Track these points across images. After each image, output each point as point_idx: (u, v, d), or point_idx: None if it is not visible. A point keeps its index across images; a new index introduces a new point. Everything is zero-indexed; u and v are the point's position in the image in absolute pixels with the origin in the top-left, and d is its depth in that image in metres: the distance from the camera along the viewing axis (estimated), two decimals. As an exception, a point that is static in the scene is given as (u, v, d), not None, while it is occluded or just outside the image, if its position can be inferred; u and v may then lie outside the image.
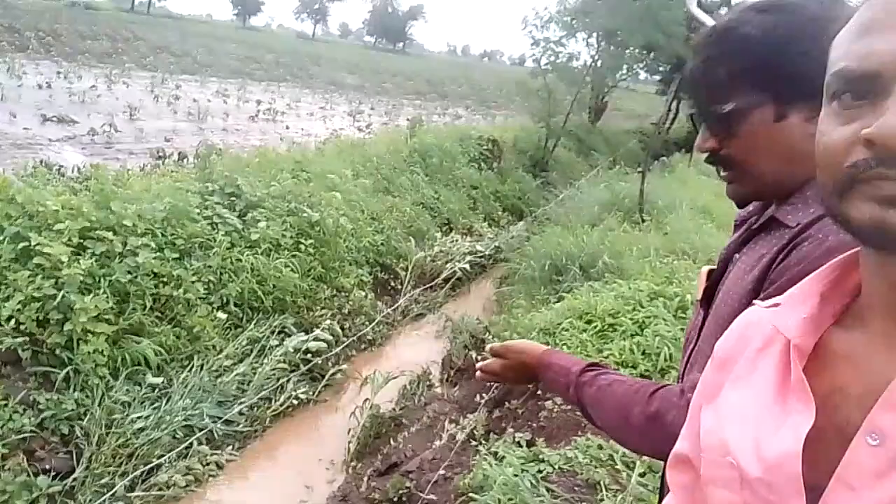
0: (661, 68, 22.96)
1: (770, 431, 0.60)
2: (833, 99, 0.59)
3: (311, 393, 4.86)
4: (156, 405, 4.10)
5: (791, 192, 1.01)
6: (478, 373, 1.46)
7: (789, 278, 0.88)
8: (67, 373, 3.88)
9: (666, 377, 3.63)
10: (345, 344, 5.51)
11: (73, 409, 3.79)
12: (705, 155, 1.10)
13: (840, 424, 0.57)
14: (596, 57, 15.83)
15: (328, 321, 5.51)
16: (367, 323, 5.97)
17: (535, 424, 3.67)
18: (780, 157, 0.99)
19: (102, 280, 4.23)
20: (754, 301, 0.81)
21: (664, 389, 1.07)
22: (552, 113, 13.83)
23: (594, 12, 14.49)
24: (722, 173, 1.07)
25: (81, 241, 4.34)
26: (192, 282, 4.74)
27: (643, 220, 7.44)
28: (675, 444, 0.76)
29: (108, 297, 4.17)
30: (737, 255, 1.09)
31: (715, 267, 1.18)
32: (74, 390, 3.88)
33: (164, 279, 4.59)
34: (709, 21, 1.54)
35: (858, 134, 0.54)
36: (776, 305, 0.68)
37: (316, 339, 5.19)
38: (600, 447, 3.00)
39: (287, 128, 14.28)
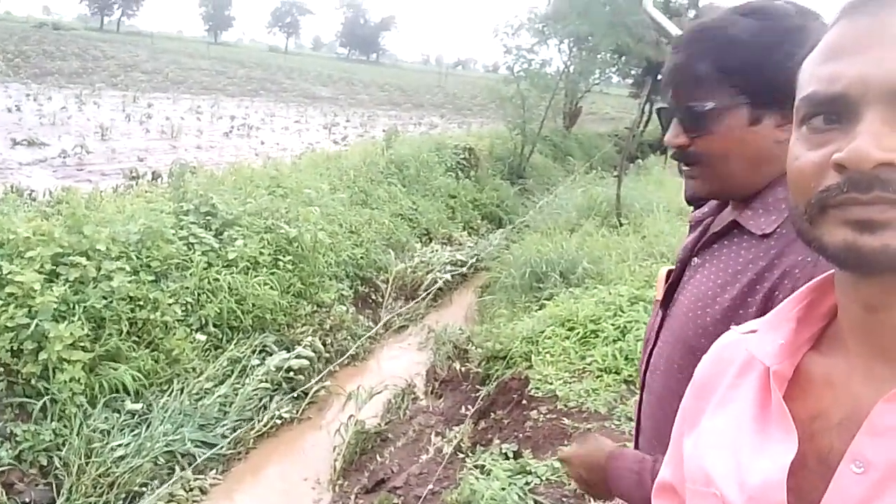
0: (632, 72, 23.23)
1: (752, 460, 0.59)
2: (803, 123, 0.59)
3: (294, 411, 4.81)
4: (136, 432, 4.03)
5: (752, 195, 1.02)
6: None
7: None
8: (44, 403, 3.80)
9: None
10: (327, 360, 5.47)
11: (51, 440, 3.71)
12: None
13: (822, 451, 0.57)
14: (568, 63, 15.93)
15: (309, 338, 5.46)
16: (349, 338, 5.93)
17: (521, 435, 3.66)
18: (749, 160, 1.00)
19: (77, 306, 4.15)
20: (731, 326, 0.81)
21: None
22: (527, 119, 13.89)
23: (564, 19, 14.58)
24: (684, 168, 1.08)
25: (54, 267, 4.26)
26: (170, 304, 4.68)
27: (621, 224, 7.48)
28: (659, 472, 0.75)
29: (83, 324, 4.09)
30: (696, 259, 1.09)
31: (672, 267, 1.18)
32: (52, 420, 3.80)
33: (141, 302, 4.53)
34: (666, 23, 1.55)
35: (829, 158, 0.54)
36: (752, 331, 0.68)
37: (298, 356, 5.14)
38: (587, 456, 2.99)
39: (262, 143, 14.20)
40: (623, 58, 18.92)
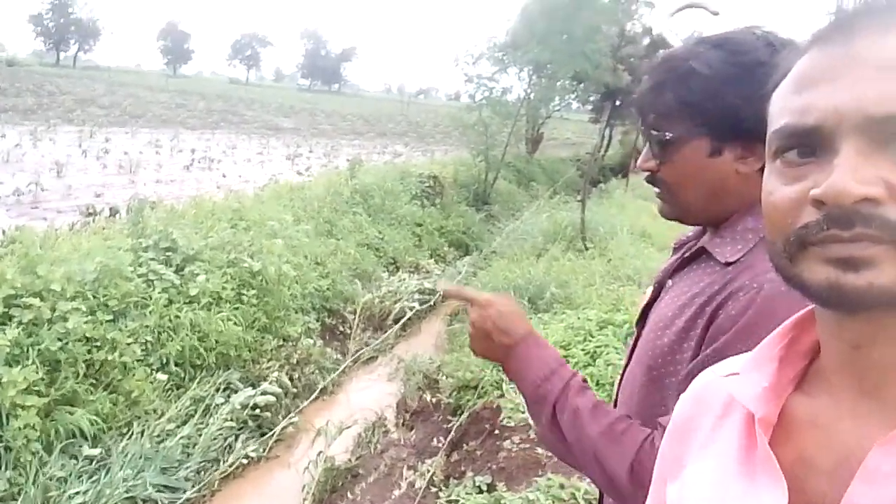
0: (591, 98, 23.66)
1: None
2: (776, 157, 0.56)
3: (261, 450, 4.66)
4: (94, 478, 3.85)
5: (721, 222, 1.04)
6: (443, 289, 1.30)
7: (735, 332, 0.89)
8: (-3, 451, 3.63)
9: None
10: (294, 395, 5.34)
11: (5, 489, 3.53)
12: (642, 178, 1.15)
13: (814, 500, 0.54)
14: (528, 90, 16.16)
15: (276, 373, 5.33)
16: (316, 371, 5.81)
17: (494, 466, 3.60)
18: (708, 190, 1.03)
19: (31, 350, 3.98)
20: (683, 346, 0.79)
21: (647, 441, 0.98)
22: (490, 146, 14.01)
23: (524, 47, 14.83)
24: (656, 192, 1.11)
25: (6, 309, 4.10)
26: (128, 344, 4.52)
27: (586, 248, 7.53)
28: None
29: (37, 368, 3.92)
30: (670, 281, 1.11)
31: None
32: (6, 469, 3.62)
33: (98, 343, 4.37)
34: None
35: (806, 194, 0.52)
36: (734, 374, 0.65)
37: (264, 392, 5.00)
38: (562, 486, 2.95)
39: (224, 175, 14.03)
40: (581, 84, 19.29)
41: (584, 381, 1.11)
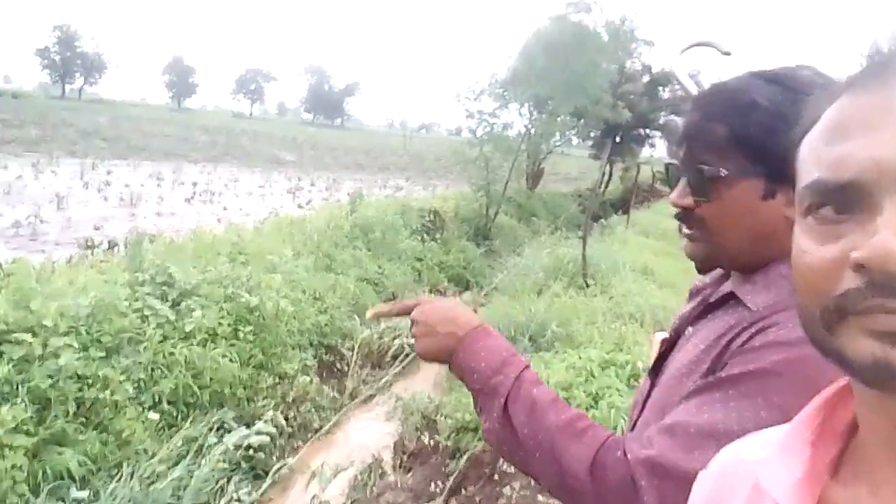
0: (591, 133, 23.83)
1: None
2: (809, 213, 0.51)
3: (254, 493, 4.52)
4: (81, 522, 3.74)
5: (754, 268, 0.96)
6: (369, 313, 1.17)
7: (755, 372, 0.83)
8: (-18, 493, 3.52)
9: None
10: (290, 435, 5.22)
11: (-11, 534, 3.42)
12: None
13: None
14: (529, 125, 16.26)
15: (271, 412, 5.22)
16: (313, 410, 5.69)
17: (494, 513, 3.48)
18: (753, 234, 0.95)
19: (20, 387, 3.90)
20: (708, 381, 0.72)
21: (611, 440, 0.92)
22: (491, 181, 14.04)
23: (524, 83, 14.96)
24: (685, 231, 1.03)
25: (-3, 345, 4.02)
26: (121, 381, 4.43)
27: (587, 285, 7.46)
28: None
29: (26, 406, 3.83)
30: (690, 329, 1.04)
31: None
32: (-10, 512, 3.51)
33: (89, 381, 4.27)
34: (694, 89, 1.50)
35: (846, 256, 0.46)
36: (763, 459, 0.58)
37: (258, 432, 4.88)
38: (565, 537, 2.83)
39: (225, 208, 14.06)
40: (582, 120, 19.42)
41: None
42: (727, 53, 1.54)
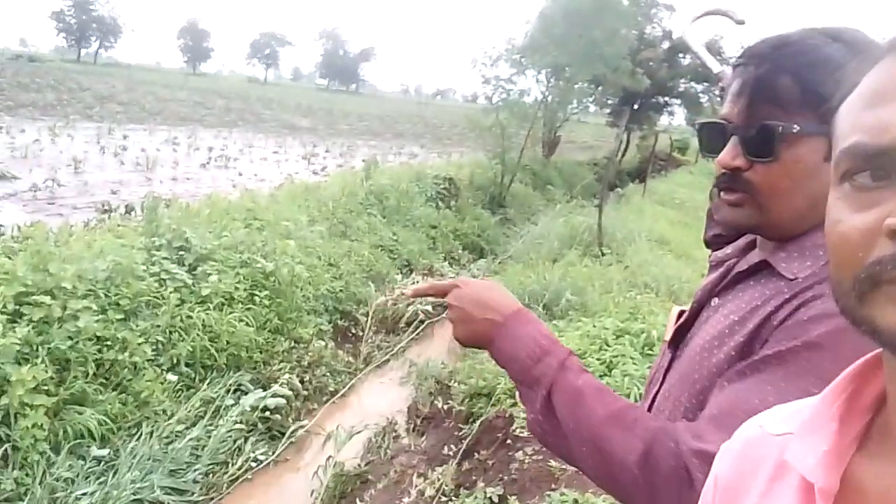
0: (609, 101, 23.52)
1: None
2: (844, 179, 0.49)
3: (270, 453, 4.61)
4: (102, 479, 3.82)
5: (792, 236, 0.92)
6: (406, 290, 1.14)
7: (804, 339, 0.79)
8: (5, 450, 3.60)
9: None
10: (305, 398, 5.29)
11: (12, 489, 3.50)
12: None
13: None
14: (546, 92, 16.07)
15: (287, 375, 5.28)
16: (328, 374, 5.75)
17: (506, 477, 3.51)
18: (810, 198, 0.89)
19: (40, 348, 3.96)
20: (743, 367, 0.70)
21: (660, 431, 0.87)
22: (506, 148, 13.93)
23: (541, 49, 14.75)
24: (726, 195, 0.95)
25: (17, 307, 4.07)
26: (139, 344, 4.49)
27: (603, 254, 7.42)
28: None
29: (46, 367, 3.90)
30: (716, 300, 1.00)
31: (685, 308, 1.10)
32: (13, 469, 3.59)
33: (108, 343, 4.34)
34: (706, 56, 1.44)
35: (881, 223, 0.45)
36: (787, 433, 0.57)
37: (274, 395, 4.95)
38: (576, 502, 2.86)
39: (240, 174, 14.06)
40: (599, 87, 19.17)
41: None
42: (741, 22, 1.49)
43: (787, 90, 0.88)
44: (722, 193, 0.96)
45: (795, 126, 0.87)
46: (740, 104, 0.92)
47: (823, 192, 0.88)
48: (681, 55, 23.58)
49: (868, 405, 0.54)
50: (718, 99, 1.07)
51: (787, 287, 0.88)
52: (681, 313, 1.11)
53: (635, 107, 22.78)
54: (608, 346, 4.37)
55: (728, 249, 1.09)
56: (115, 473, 3.87)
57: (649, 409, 1.07)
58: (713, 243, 1.34)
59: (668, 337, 1.10)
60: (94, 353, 4.22)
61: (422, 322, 7.36)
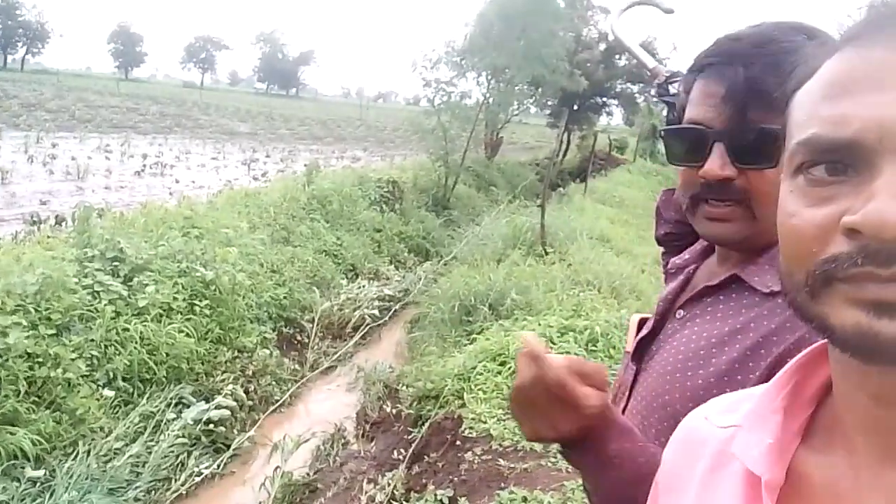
0: (548, 102, 23.84)
1: None
2: (799, 172, 0.48)
3: (215, 467, 4.50)
4: (38, 501, 3.67)
5: (763, 246, 0.88)
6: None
7: None
8: (-71, 476, 3.42)
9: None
10: (250, 408, 5.19)
11: (-61, 517, 3.34)
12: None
13: None
14: (487, 94, 16.17)
15: (230, 386, 5.16)
16: (273, 383, 5.65)
17: (456, 478, 3.52)
18: None
19: (-34, 367, 3.78)
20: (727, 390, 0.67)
21: None
22: (449, 150, 13.95)
23: (481, 52, 14.85)
24: (714, 209, 0.89)
25: (-61, 325, 3.88)
26: (73, 359, 4.32)
27: (546, 253, 7.51)
28: None
29: (-27, 387, 3.72)
30: (681, 311, 0.97)
31: (646, 315, 1.06)
32: (-61, 495, 3.42)
33: (40, 359, 4.16)
34: (638, 50, 1.42)
35: (837, 220, 0.44)
36: (733, 426, 0.57)
37: (218, 406, 4.84)
38: (525, 500, 2.88)
39: (177, 181, 13.71)
40: (539, 89, 19.40)
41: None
42: (669, 11, 1.49)
43: (777, 91, 0.87)
44: (707, 207, 0.91)
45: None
46: (727, 108, 0.86)
47: None
48: (617, 56, 24.11)
49: (811, 397, 0.54)
50: (654, 98, 1.03)
51: (769, 309, 0.84)
52: (641, 321, 1.08)
53: (574, 107, 23.17)
54: (553, 343, 4.43)
55: (686, 255, 1.06)
56: (51, 495, 3.72)
57: None
58: (664, 241, 1.33)
59: (629, 348, 1.06)
60: (25, 371, 4.05)
61: (369, 327, 7.31)
